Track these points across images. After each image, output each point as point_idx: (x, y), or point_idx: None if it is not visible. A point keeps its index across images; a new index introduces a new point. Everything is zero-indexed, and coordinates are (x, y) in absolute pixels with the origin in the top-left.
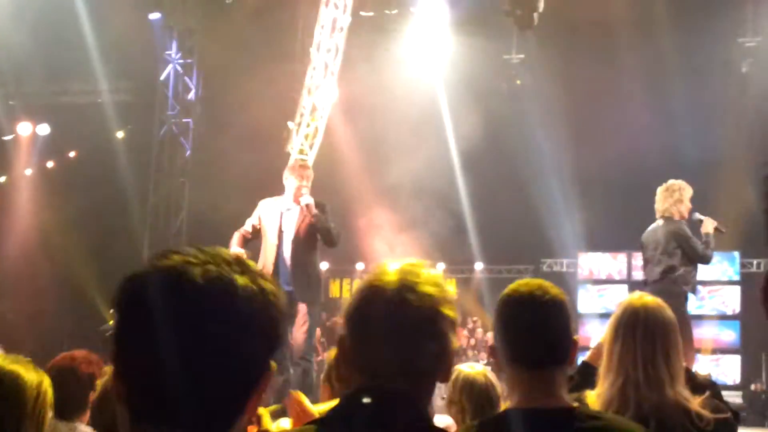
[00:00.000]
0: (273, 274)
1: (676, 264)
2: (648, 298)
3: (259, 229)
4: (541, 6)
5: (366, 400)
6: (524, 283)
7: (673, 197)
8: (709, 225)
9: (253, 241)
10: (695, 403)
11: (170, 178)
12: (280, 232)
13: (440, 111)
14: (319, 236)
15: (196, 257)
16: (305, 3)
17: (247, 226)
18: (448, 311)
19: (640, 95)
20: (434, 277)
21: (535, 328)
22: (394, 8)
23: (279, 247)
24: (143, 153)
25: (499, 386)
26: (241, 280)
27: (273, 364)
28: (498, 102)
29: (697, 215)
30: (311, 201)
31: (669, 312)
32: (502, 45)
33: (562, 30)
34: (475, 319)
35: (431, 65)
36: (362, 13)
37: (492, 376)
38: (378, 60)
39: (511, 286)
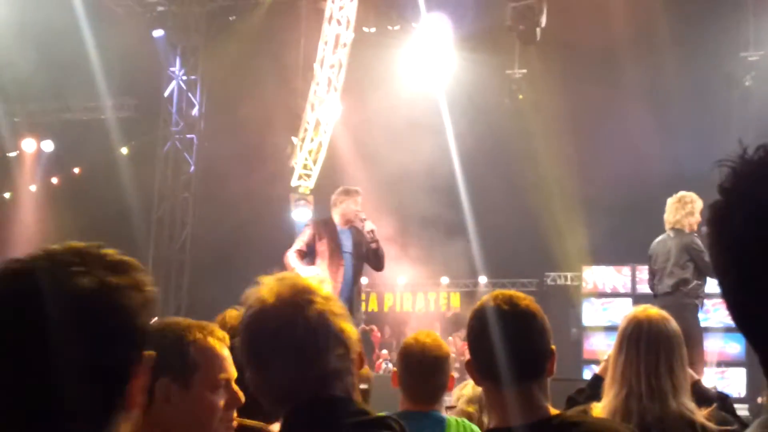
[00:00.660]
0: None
1: (689, 277)
2: (652, 311)
3: (314, 248)
4: (544, 21)
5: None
6: (494, 295)
7: (686, 209)
8: None
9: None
10: (700, 414)
11: (174, 193)
12: (341, 253)
13: (443, 126)
14: (371, 260)
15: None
16: (308, 19)
17: (300, 245)
18: (333, 313)
19: (643, 110)
20: (309, 284)
21: (506, 343)
22: (396, 24)
23: (341, 267)
24: (147, 169)
25: None
26: (78, 279)
27: (146, 354)
28: (501, 117)
29: (705, 229)
30: (374, 227)
31: (674, 324)
32: (505, 60)
33: (565, 45)
34: None
35: (434, 80)
36: (365, 29)
37: None
38: (381, 75)
39: (482, 299)
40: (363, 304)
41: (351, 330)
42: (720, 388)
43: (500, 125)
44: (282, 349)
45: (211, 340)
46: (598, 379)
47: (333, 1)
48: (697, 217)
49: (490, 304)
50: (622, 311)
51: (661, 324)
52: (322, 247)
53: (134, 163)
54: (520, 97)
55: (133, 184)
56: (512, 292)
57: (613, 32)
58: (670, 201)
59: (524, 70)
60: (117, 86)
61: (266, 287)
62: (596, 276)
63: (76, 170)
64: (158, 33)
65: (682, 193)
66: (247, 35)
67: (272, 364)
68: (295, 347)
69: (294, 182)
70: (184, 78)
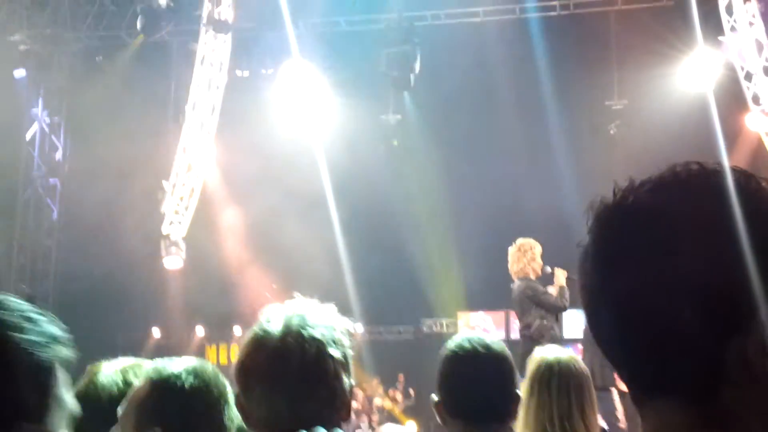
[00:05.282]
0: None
1: (531, 321)
2: (560, 353)
3: None
4: (418, 67)
5: None
6: (467, 339)
7: (526, 256)
8: (561, 276)
9: None
10: None
11: (36, 241)
12: None
13: (318, 170)
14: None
15: None
16: (178, 62)
17: None
18: (336, 351)
19: (515, 155)
20: (321, 317)
21: (475, 384)
22: (270, 68)
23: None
24: (7, 215)
25: None
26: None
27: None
28: (376, 161)
29: (547, 268)
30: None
31: (581, 365)
32: (380, 105)
33: (438, 91)
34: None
35: (309, 124)
36: (238, 73)
37: None
38: (255, 119)
39: (454, 342)
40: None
41: (345, 378)
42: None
43: (376, 169)
44: (271, 379)
45: None
46: None
47: (205, 43)
48: (539, 261)
49: (465, 345)
50: None
51: (571, 364)
52: None
53: None
54: (395, 142)
55: None
56: (483, 336)
57: (485, 79)
58: (511, 251)
59: (398, 116)
60: None
61: (279, 313)
62: (471, 321)
63: None
64: (20, 73)
65: (520, 240)
66: (115, 76)
67: (256, 392)
68: (286, 380)
69: (165, 229)
70: (47, 120)
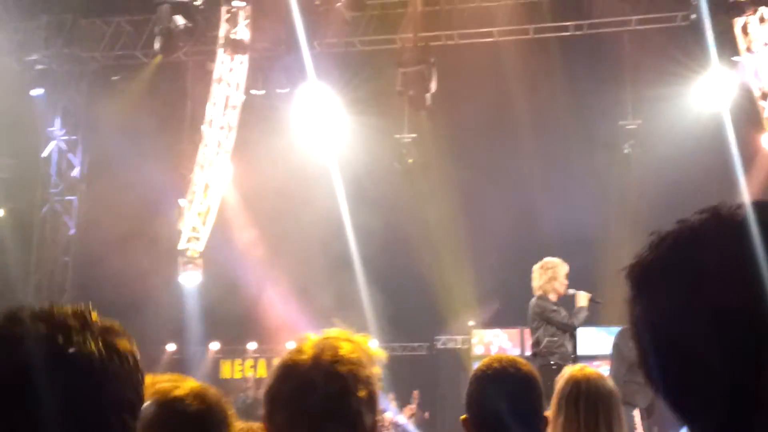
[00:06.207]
0: None
1: (540, 337)
2: (589, 370)
3: None
4: (434, 87)
5: None
6: (497, 358)
7: (547, 275)
8: (582, 299)
9: None
10: None
11: (53, 257)
12: None
13: (333, 188)
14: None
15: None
16: (195, 80)
17: None
18: (362, 390)
19: (530, 173)
20: (353, 352)
21: (505, 403)
22: (286, 87)
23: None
24: (25, 232)
25: None
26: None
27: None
28: (391, 179)
29: (571, 291)
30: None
31: (610, 383)
32: (394, 124)
33: (454, 110)
34: None
35: (324, 143)
36: (253, 92)
37: None
38: (271, 137)
39: (485, 362)
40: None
41: (368, 416)
42: None
43: (391, 188)
44: (294, 409)
45: None
46: None
47: (222, 63)
48: (561, 281)
49: (495, 365)
50: None
51: (599, 382)
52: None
53: (11, 226)
54: (410, 161)
55: (10, 247)
56: (514, 357)
57: (501, 98)
58: (535, 268)
59: (414, 135)
60: None
61: (311, 343)
62: (486, 339)
63: None
64: (37, 92)
65: (546, 259)
66: (132, 95)
67: (279, 419)
68: (309, 412)
69: (182, 245)
70: (65, 138)
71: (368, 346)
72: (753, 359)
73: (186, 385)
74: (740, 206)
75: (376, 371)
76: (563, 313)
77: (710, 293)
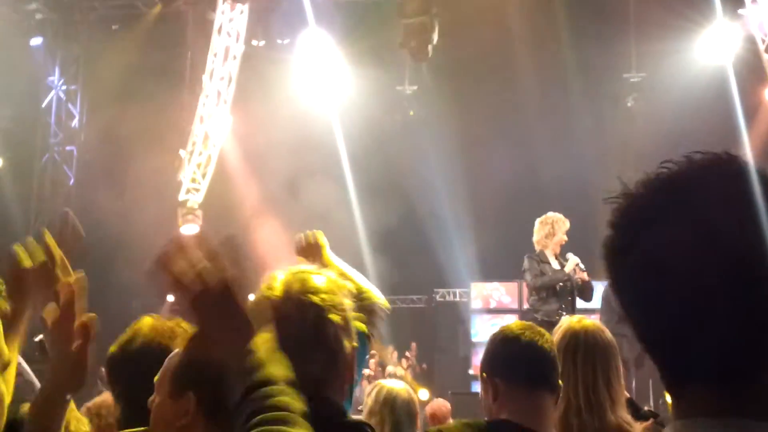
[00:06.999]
0: None
1: (528, 294)
2: (587, 321)
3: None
4: (435, 38)
5: None
6: (528, 326)
7: (545, 230)
8: (571, 263)
9: None
10: (638, 428)
11: (53, 207)
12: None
13: (334, 140)
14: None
15: None
16: (195, 30)
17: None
18: (335, 316)
19: (533, 126)
20: (322, 283)
21: (536, 355)
22: (286, 38)
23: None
24: (25, 182)
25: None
26: None
27: None
28: (392, 131)
29: (568, 255)
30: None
31: (608, 335)
32: (395, 76)
33: (456, 62)
34: (373, 352)
35: (324, 94)
36: (254, 42)
37: (413, 393)
38: (271, 89)
39: (509, 327)
40: None
41: (346, 341)
42: None
43: (392, 140)
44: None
45: None
46: None
47: (222, 13)
48: (560, 237)
49: (515, 330)
50: None
51: (597, 334)
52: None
53: (11, 175)
54: (411, 113)
55: (10, 197)
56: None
57: (504, 50)
58: (537, 221)
59: (415, 87)
60: None
61: (280, 279)
62: (484, 292)
63: None
64: (36, 41)
65: (548, 213)
66: (132, 45)
67: None
68: (285, 345)
69: (182, 197)
70: (64, 88)
71: (336, 278)
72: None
73: None
74: (740, 155)
75: (348, 302)
76: (536, 272)
77: (716, 224)
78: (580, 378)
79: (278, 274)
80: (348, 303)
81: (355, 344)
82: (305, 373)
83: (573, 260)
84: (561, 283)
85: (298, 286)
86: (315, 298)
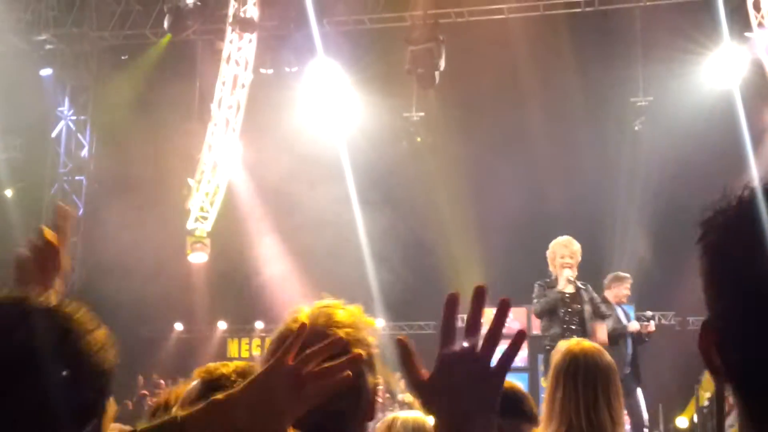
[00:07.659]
0: None
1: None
2: (586, 344)
3: None
4: (443, 65)
5: None
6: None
7: (548, 255)
8: (562, 279)
9: None
10: None
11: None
12: None
13: (342, 167)
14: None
15: None
16: (204, 59)
17: None
18: (359, 351)
19: (540, 152)
20: (347, 317)
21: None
22: (294, 66)
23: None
24: (34, 212)
25: None
26: None
27: None
28: (399, 158)
29: (566, 272)
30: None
31: (607, 357)
32: (403, 103)
33: (463, 89)
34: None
35: (333, 122)
36: (262, 71)
37: (427, 423)
38: (280, 117)
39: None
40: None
41: (369, 377)
42: None
43: (399, 167)
44: None
45: None
46: None
47: (231, 42)
48: (559, 261)
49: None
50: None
51: (597, 356)
52: None
53: (20, 205)
54: (418, 139)
55: (18, 226)
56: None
57: (510, 76)
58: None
59: (422, 113)
60: (2, 126)
61: (305, 312)
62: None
63: None
64: (46, 72)
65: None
66: (140, 75)
67: None
68: None
69: (190, 225)
70: (73, 118)
71: (361, 314)
72: None
73: (231, 364)
74: None
75: (371, 337)
76: (540, 297)
77: None
78: (582, 399)
79: (304, 307)
80: (371, 339)
81: (378, 380)
82: (329, 406)
83: (565, 273)
84: (566, 308)
85: (323, 320)
86: (340, 332)
